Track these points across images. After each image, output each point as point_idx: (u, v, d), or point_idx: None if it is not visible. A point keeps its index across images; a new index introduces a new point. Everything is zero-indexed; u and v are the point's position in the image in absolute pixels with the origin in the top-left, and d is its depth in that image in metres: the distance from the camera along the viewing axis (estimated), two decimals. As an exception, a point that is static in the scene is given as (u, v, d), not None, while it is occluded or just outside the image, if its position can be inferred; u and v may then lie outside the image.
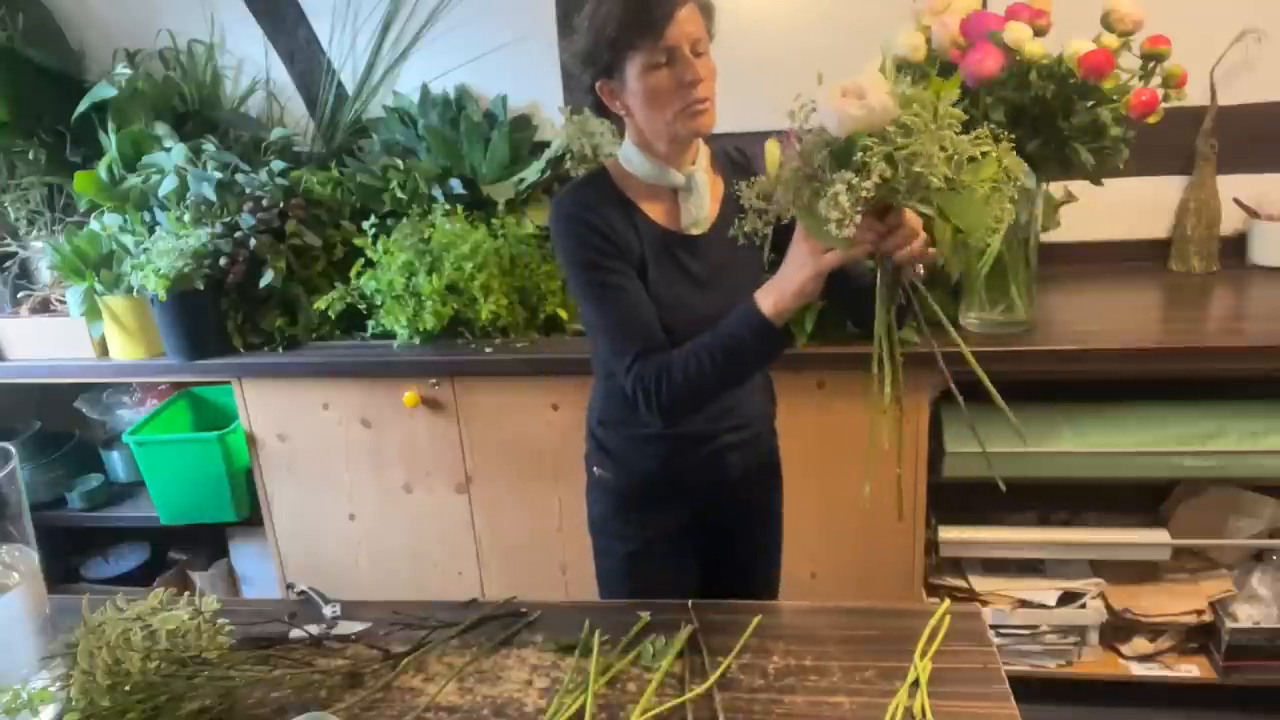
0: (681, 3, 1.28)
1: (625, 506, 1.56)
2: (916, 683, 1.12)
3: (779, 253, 1.27)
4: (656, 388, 1.31)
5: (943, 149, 1.04)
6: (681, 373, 1.30)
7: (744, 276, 1.43)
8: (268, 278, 2.16)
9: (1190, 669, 2.13)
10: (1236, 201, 2.28)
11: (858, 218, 1.05)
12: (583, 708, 1.11)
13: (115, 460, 2.62)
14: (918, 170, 1.03)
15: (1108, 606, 2.14)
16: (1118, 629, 2.17)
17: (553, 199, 1.42)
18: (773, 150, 1.15)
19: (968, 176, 1.07)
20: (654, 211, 1.41)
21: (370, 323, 2.23)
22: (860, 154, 1.05)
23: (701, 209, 1.41)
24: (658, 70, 1.29)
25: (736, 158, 1.49)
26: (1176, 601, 2.12)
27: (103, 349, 2.33)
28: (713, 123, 1.34)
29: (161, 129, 2.38)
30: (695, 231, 1.41)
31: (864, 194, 1.04)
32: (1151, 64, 1.80)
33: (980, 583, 2.18)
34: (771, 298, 1.24)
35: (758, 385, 1.57)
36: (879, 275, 1.18)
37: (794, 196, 1.11)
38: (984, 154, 1.07)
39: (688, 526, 1.56)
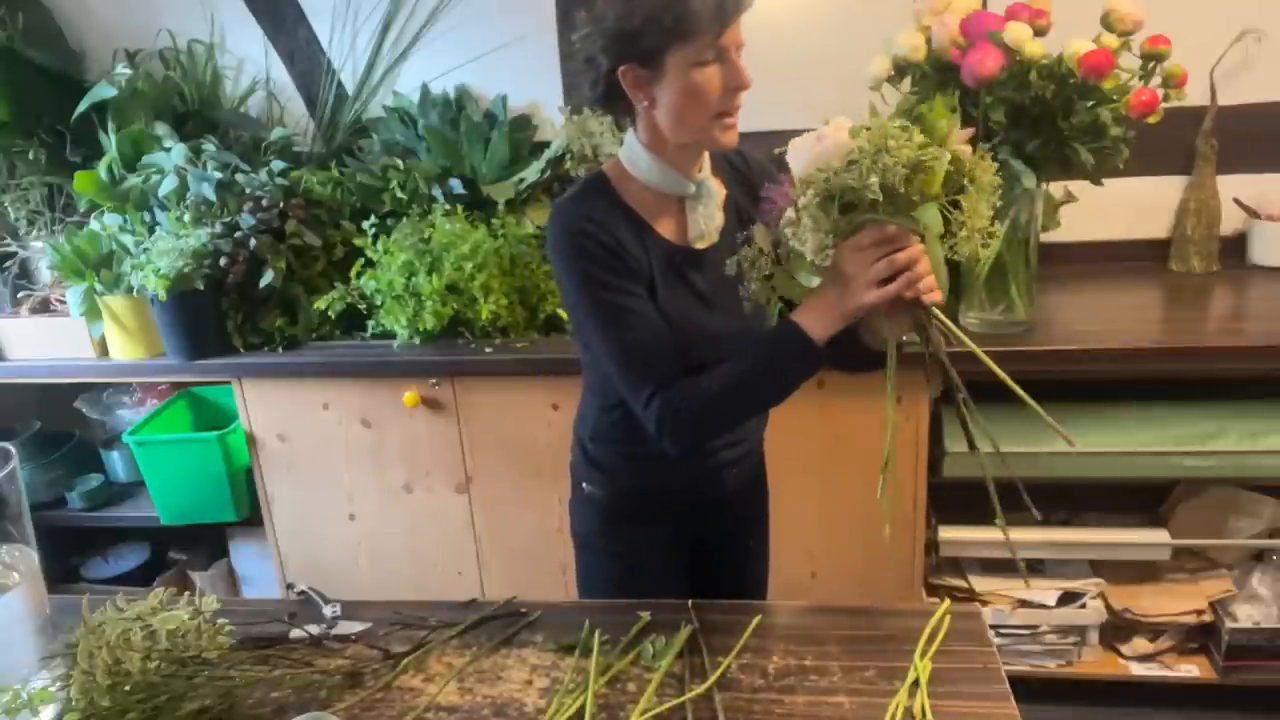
0: (749, 4, 1.20)
1: (614, 522, 1.51)
2: (916, 683, 1.13)
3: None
4: (687, 418, 1.25)
5: (890, 159, 1.06)
6: (718, 402, 1.25)
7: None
8: (268, 278, 2.16)
9: (1190, 669, 2.13)
10: (1236, 201, 2.28)
11: (829, 240, 1.09)
12: (583, 708, 1.11)
13: (115, 460, 2.62)
14: (857, 184, 1.07)
15: (1108, 606, 2.14)
16: (1118, 629, 2.17)
17: (553, 209, 1.32)
18: (759, 234, 1.17)
19: (928, 183, 1.09)
20: (661, 225, 1.33)
21: (370, 323, 2.23)
22: (806, 186, 1.10)
23: (711, 220, 1.33)
24: (705, 67, 1.19)
25: (736, 162, 1.42)
26: (1176, 601, 2.12)
27: (103, 349, 2.33)
28: (737, 139, 1.28)
29: (161, 129, 2.38)
30: (702, 245, 1.34)
31: (810, 208, 1.08)
32: (1151, 64, 1.80)
33: (980, 583, 2.18)
34: (820, 321, 1.19)
35: None
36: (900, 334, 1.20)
37: (777, 261, 1.15)
38: (932, 159, 1.08)
39: (677, 540, 1.53)
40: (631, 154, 1.31)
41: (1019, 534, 2.12)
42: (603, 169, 1.36)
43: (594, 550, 1.54)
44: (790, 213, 1.12)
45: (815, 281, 1.16)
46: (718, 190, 1.35)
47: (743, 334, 1.38)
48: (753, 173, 1.41)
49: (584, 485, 1.52)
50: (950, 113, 1.12)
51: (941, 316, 1.16)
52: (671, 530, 1.51)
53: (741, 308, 1.35)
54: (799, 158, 1.12)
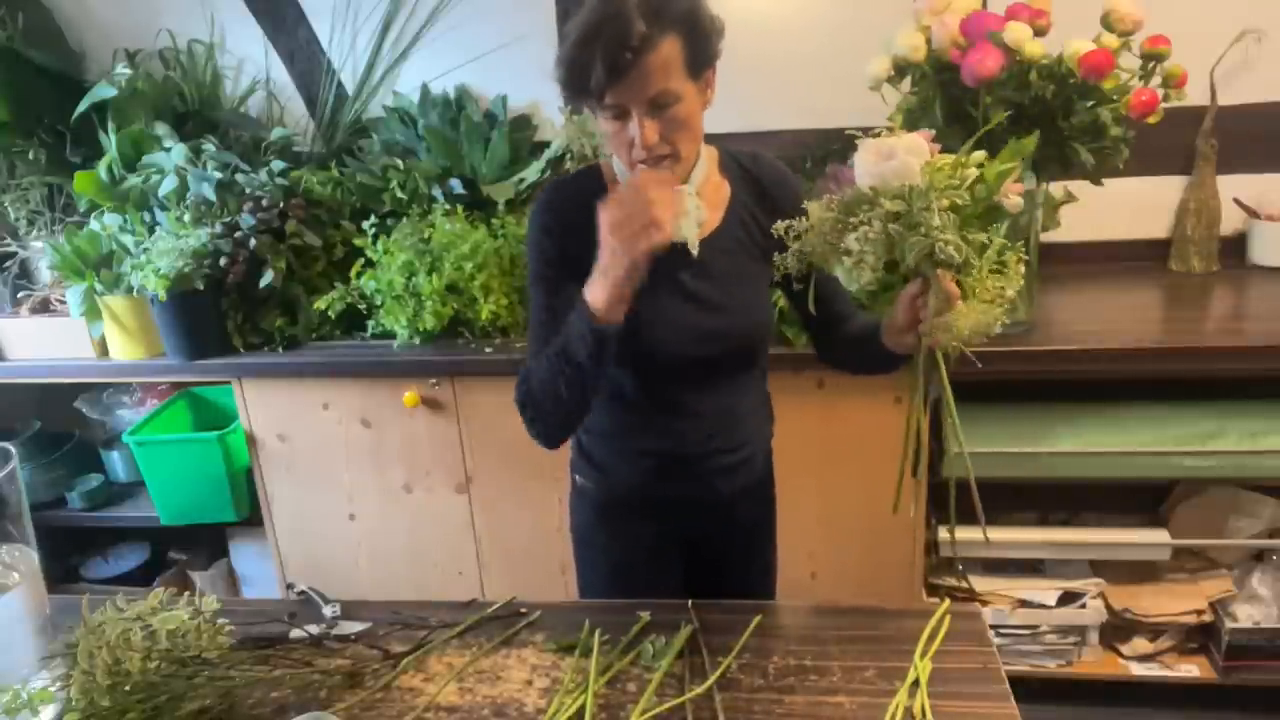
0: (631, 63, 1.15)
1: (607, 517, 1.51)
2: (916, 683, 1.12)
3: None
4: (523, 401, 1.31)
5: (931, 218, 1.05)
6: (536, 381, 1.28)
7: (748, 288, 1.37)
8: (268, 278, 2.16)
9: (1190, 669, 2.13)
10: (1236, 201, 2.28)
11: (870, 260, 1.07)
12: (583, 708, 1.11)
13: (115, 460, 2.62)
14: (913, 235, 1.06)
15: (1108, 606, 2.14)
16: (1118, 629, 2.17)
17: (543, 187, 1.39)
18: (814, 209, 1.15)
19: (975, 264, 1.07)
20: None
21: (370, 323, 2.23)
22: (862, 210, 1.08)
23: (690, 229, 1.30)
24: (611, 120, 1.22)
25: (747, 164, 1.40)
26: (1176, 601, 2.12)
27: (103, 349, 2.33)
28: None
29: (161, 129, 2.38)
30: (693, 248, 1.31)
31: (870, 235, 1.06)
32: (1151, 64, 1.80)
33: (980, 583, 2.18)
34: (595, 290, 1.19)
35: (753, 406, 1.48)
36: (919, 356, 1.17)
37: (824, 237, 1.13)
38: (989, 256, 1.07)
39: (672, 541, 1.51)
40: (615, 161, 1.34)
41: (1019, 534, 2.15)
42: (599, 162, 1.39)
43: (588, 545, 1.55)
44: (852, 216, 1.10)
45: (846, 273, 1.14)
46: (696, 201, 1.31)
47: (740, 332, 1.37)
48: (763, 175, 1.39)
49: (577, 478, 1.53)
50: (1017, 159, 1.10)
51: (942, 365, 1.15)
52: (662, 531, 1.50)
53: (740, 307, 1.35)
54: (864, 164, 1.10)
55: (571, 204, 1.31)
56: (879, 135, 1.11)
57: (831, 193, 1.14)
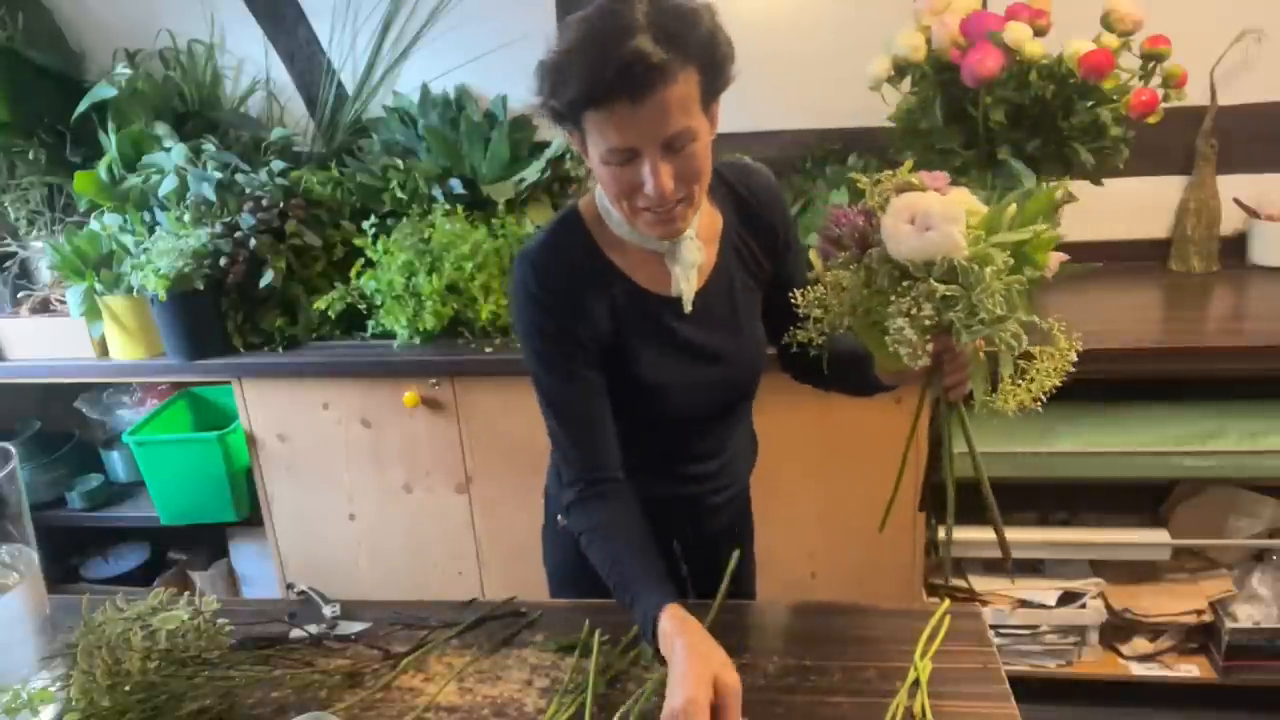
0: (648, 94, 1.01)
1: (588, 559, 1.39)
2: (916, 683, 1.12)
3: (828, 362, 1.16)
4: (578, 537, 1.22)
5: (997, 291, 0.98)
6: (589, 549, 1.20)
7: (746, 325, 1.28)
8: (268, 278, 2.16)
9: (1190, 669, 2.13)
10: (1236, 201, 2.28)
11: (929, 348, 1.00)
12: (582, 708, 1.11)
13: (115, 460, 2.62)
14: (970, 317, 0.98)
15: (1108, 606, 2.14)
16: (1118, 629, 2.17)
17: (519, 256, 1.21)
18: (816, 262, 1.08)
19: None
20: (637, 270, 1.21)
21: (370, 323, 2.23)
22: (909, 285, 1.00)
23: (691, 280, 1.19)
24: (613, 165, 1.07)
25: (737, 184, 1.27)
26: (1176, 601, 2.13)
27: (103, 349, 2.33)
28: (683, 228, 1.14)
29: (161, 129, 2.38)
30: (686, 306, 1.21)
31: (926, 322, 0.99)
32: (1151, 64, 1.80)
33: (980, 583, 2.18)
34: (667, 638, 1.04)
35: (745, 443, 1.44)
36: (930, 399, 1.15)
37: (853, 313, 1.05)
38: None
39: None
40: (603, 201, 1.20)
41: (1019, 534, 2.14)
42: (578, 206, 1.24)
43: (567, 585, 1.48)
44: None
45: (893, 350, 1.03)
46: (698, 246, 1.20)
47: (742, 378, 1.31)
48: (753, 193, 1.28)
49: (559, 517, 1.38)
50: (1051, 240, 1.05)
51: (965, 420, 1.15)
52: None
53: (739, 351, 1.27)
54: (898, 234, 0.99)
55: (565, 273, 1.19)
56: (889, 179, 1.02)
57: (833, 238, 1.05)
